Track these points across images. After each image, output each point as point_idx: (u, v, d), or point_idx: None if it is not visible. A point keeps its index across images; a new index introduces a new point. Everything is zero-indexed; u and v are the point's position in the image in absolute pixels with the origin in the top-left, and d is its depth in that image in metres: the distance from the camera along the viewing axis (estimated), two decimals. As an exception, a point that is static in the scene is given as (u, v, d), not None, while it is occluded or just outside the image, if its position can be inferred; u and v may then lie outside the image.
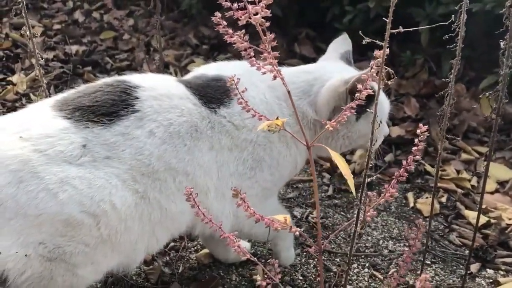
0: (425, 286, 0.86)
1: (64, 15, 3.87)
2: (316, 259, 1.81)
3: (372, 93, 1.05)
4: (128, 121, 1.30)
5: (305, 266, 1.81)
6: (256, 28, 0.90)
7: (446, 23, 1.23)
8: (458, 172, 2.35)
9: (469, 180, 2.30)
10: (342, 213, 2.11)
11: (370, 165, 1.15)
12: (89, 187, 1.21)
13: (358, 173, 2.28)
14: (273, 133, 0.98)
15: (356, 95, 1.00)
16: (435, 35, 2.71)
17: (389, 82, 1.07)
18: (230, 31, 0.91)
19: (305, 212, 2.09)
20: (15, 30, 3.43)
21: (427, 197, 2.19)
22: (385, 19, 0.99)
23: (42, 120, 1.27)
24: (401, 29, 0.98)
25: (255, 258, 1.06)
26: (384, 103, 1.60)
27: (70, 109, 1.29)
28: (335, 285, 1.72)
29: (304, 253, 1.86)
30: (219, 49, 3.36)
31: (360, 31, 1.14)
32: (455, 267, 1.86)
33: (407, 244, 1.91)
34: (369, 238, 1.97)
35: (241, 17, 0.89)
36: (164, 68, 2.66)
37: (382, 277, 1.78)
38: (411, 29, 1.02)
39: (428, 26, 1.33)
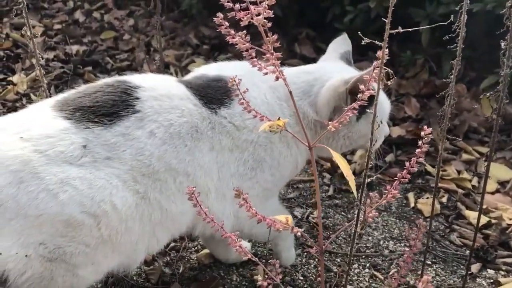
0: (427, 287, 0.86)
1: (65, 15, 3.87)
2: (316, 259, 1.81)
3: (373, 94, 1.04)
4: (128, 121, 1.30)
5: (306, 266, 1.81)
6: (258, 28, 0.90)
7: (446, 23, 1.23)
8: (458, 172, 2.35)
9: (470, 180, 2.30)
10: (342, 213, 2.11)
11: (370, 166, 1.14)
12: (89, 187, 1.21)
13: (359, 173, 2.28)
14: (275, 133, 0.98)
15: (358, 95, 1.00)
16: (436, 35, 2.71)
17: (389, 83, 1.07)
18: (232, 32, 0.91)
19: (305, 212, 2.09)
20: (15, 30, 3.43)
21: (427, 197, 2.19)
22: (384, 19, 0.99)
23: (43, 120, 1.27)
24: (400, 30, 0.98)
25: (256, 258, 1.06)
26: (384, 104, 1.60)
27: (71, 109, 1.29)
28: (336, 285, 1.72)
29: (305, 253, 1.86)
30: (219, 49, 3.36)
31: (360, 31, 1.14)
32: (455, 268, 1.86)
33: (407, 244, 1.90)
34: (370, 238, 1.97)
35: (243, 18, 0.88)
36: (164, 68, 2.66)
37: (382, 278, 1.78)
38: (410, 29, 1.02)
39: (428, 26, 1.33)
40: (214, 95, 1.43)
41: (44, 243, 1.19)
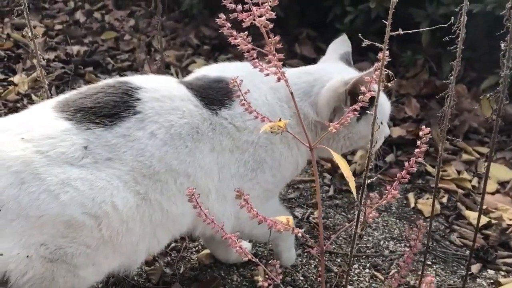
0: (429, 288, 0.86)
1: (66, 15, 3.87)
2: (317, 260, 1.81)
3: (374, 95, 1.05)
4: (129, 122, 1.30)
5: (306, 266, 1.81)
6: (260, 30, 0.90)
7: (447, 25, 1.23)
8: (459, 172, 2.35)
9: (470, 181, 2.30)
10: (343, 213, 2.11)
11: (371, 167, 1.14)
12: (90, 188, 1.21)
13: (359, 174, 2.28)
14: (276, 135, 0.98)
15: (359, 97, 1.00)
16: (436, 36, 2.71)
17: (389, 84, 1.07)
18: (235, 33, 0.91)
19: (306, 212, 2.10)
20: (16, 31, 3.43)
21: (428, 198, 2.19)
22: (385, 21, 0.99)
23: (44, 121, 1.28)
24: (400, 32, 0.98)
25: (256, 259, 1.06)
26: (384, 105, 1.60)
27: (72, 110, 1.29)
28: (336, 286, 1.72)
29: (305, 254, 1.86)
30: (220, 49, 3.36)
31: (361, 32, 1.14)
32: (456, 268, 1.86)
33: (408, 244, 1.90)
34: (370, 238, 1.97)
35: (245, 19, 0.89)
36: (165, 68, 2.66)
37: (383, 278, 1.78)
38: (411, 31, 1.02)
39: (428, 28, 1.33)
40: (215, 96, 1.43)
41: (45, 244, 1.19)
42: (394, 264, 1.85)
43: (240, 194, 0.99)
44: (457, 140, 1.65)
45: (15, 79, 2.89)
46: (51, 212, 1.17)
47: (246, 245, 1.82)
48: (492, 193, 2.21)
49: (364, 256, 1.89)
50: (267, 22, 0.89)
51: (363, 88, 1.00)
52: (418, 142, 1.04)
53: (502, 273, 1.84)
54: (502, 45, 1.34)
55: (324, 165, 2.38)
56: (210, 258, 1.81)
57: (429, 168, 2.35)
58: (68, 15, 3.87)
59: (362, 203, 1.10)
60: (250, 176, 1.46)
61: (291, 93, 1.01)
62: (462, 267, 1.86)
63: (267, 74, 0.95)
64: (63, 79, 2.97)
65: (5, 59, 3.15)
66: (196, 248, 1.87)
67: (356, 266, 1.83)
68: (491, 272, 1.84)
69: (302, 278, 1.76)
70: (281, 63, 0.94)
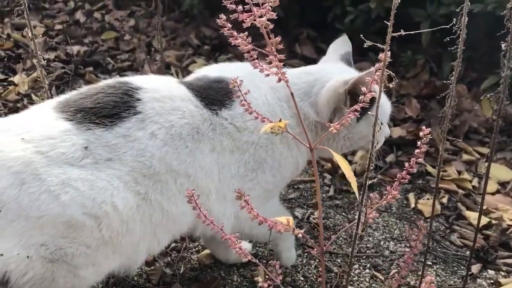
0: (429, 288, 0.86)
1: (66, 15, 3.87)
2: (317, 260, 1.81)
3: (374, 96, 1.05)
4: (129, 123, 1.30)
5: (307, 267, 1.81)
6: (261, 30, 0.90)
7: (448, 26, 1.23)
8: (459, 173, 2.35)
9: (470, 181, 2.30)
10: (343, 213, 2.11)
11: (371, 168, 1.14)
12: (90, 189, 1.21)
13: (359, 174, 2.28)
14: (276, 135, 0.98)
15: (360, 97, 1.00)
16: (436, 36, 2.71)
17: (390, 85, 1.07)
18: (235, 33, 0.91)
19: (306, 212, 2.10)
20: (16, 31, 3.43)
21: (428, 198, 2.19)
22: (386, 22, 0.99)
23: (44, 121, 1.27)
24: (402, 33, 0.98)
25: (256, 260, 1.06)
26: (385, 105, 1.60)
27: (72, 110, 1.29)
28: (336, 286, 1.72)
29: (306, 254, 1.86)
30: (220, 49, 3.36)
31: (361, 32, 1.14)
32: (456, 268, 1.86)
33: (408, 245, 1.91)
34: (370, 238, 1.97)
35: (246, 19, 0.88)
36: (165, 68, 2.66)
37: (383, 278, 1.78)
38: (412, 32, 1.02)
39: (429, 29, 1.32)
40: (215, 96, 1.43)
41: (46, 244, 1.19)
42: (395, 265, 1.85)
43: (240, 195, 0.99)
44: (458, 141, 1.65)
45: (15, 79, 2.89)
46: (51, 212, 1.17)
47: (246, 245, 1.82)
48: (493, 194, 2.21)
49: (364, 257, 1.89)
50: (268, 22, 0.89)
51: (363, 88, 1.00)
52: (419, 143, 1.04)
53: (502, 273, 1.84)
54: (503, 45, 1.34)
55: (325, 165, 2.38)
56: (210, 258, 1.81)
57: (430, 169, 2.35)
58: (68, 15, 3.87)
59: (363, 203, 1.10)
60: (250, 176, 1.46)
61: (291, 94, 1.01)
62: (462, 267, 1.86)
63: (268, 75, 0.95)
64: (63, 79, 2.97)
65: (5, 59, 3.15)
66: (196, 248, 1.87)
67: (356, 266, 1.83)
68: (491, 272, 1.84)
69: (302, 278, 1.76)
70: (281, 63, 0.94)
